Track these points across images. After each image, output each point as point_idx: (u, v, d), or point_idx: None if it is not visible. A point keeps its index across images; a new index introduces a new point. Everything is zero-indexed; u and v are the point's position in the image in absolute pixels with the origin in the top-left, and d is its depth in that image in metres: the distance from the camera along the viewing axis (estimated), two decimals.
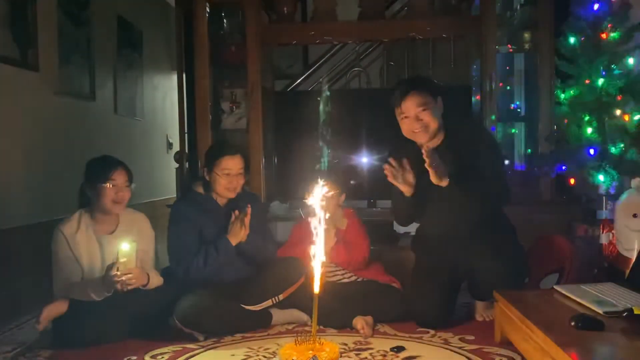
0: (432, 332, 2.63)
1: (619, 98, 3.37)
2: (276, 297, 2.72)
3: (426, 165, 2.50)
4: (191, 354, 2.42)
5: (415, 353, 2.36)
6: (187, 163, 4.31)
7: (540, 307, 2.19)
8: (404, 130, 2.72)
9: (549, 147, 3.73)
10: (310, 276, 2.10)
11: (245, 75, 3.91)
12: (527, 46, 4.19)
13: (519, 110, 4.83)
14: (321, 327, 2.63)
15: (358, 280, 2.96)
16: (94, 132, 4.82)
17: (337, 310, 2.67)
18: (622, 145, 3.33)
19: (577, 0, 3.61)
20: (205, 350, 2.46)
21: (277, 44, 4.29)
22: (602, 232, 3.06)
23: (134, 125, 5.83)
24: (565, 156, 3.57)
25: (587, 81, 3.45)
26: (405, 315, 2.74)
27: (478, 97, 3.99)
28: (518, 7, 4.52)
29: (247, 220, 2.74)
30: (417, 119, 2.66)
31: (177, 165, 4.40)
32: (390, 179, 2.64)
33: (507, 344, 2.34)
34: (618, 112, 3.36)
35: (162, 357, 2.38)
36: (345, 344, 2.47)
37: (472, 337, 2.54)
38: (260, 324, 2.74)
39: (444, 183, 2.54)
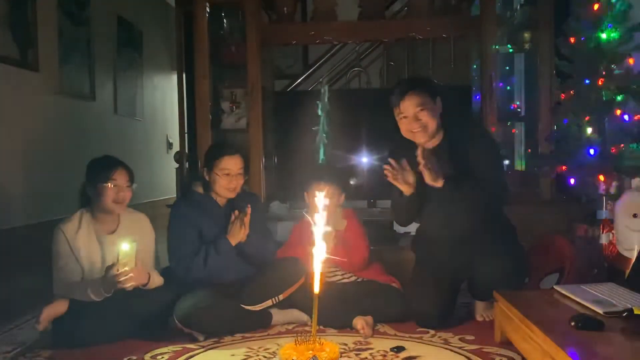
0: (432, 332, 2.63)
1: (619, 98, 3.37)
2: (276, 298, 2.72)
3: (420, 166, 2.52)
4: (191, 354, 2.42)
5: (415, 353, 2.36)
6: (187, 163, 4.31)
7: (540, 307, 2.19)
8: (403, 130, 2.72)
9: (549, 147, 3.73)
10: (310, 276, 2.10)
11: (245, 75, 3.91)
12: (527, 46, 4.19)
13: (519, 110, 4.83)
14: (321, 327, 2.63)
15: (358, 280, 2.96)
16: (94, 132, 4.82)
17: (337, 311, 2.67)
18: (622, 145, 3.33)
19: (577, 0, 3.61)
20: (205, 350, 2.46)
21: (277, 44, 4.29)
22: (602, 232, 3.06)
23: (134, 125, 5.83)
24: (565, 156, 3.57)
25: (587, 81, 3.45)
26: (405, 315, 2.74)
27: (478, 97, 3.99)
28: (518, 7, 4.52)
29: (246, 220, 2.74)
30: (415, 119, 2.66)
31: (177, 165, 4.41)
32: (390, 179, 2.64)
33: (507, 344, 2.34)
34: (618, 112, 3.36)
35: (162, 357, 2.38)
36: (345, 344, 2.47)
37: (472, 337, 2.53)
38: (260, 324, 2.73)
39: (439, 184, 2.55)
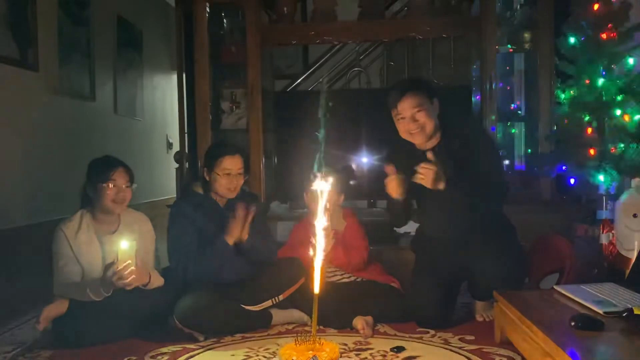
0: (432, 332, 2.63)
1: (619, 98, 3.37)
2: (276, 298, 2.72)
3: (420, 169, 2.50)
4: (191, 354, 2.42)
5: (415, 353, 2.36)
6: (187, 163, 4.31)
7: (540, 307, 2.19)
8: (401, 132, 2.73)
9: (549, 147, 3.73)
10: (310, 276, 2.10)
11: (245, 75, 3.91)
12: (527, 46, 4.19)
13: (519, 112, 4.83)
14: (321, 327, 2.63)
15: (358, 280, 2.96)
16: (94, 132, 4.83)
17: (337, 311, 2.67)
18: (622, 145, 3.33)
19: (577, 0, 3.61)
20: (205, 350, 2.46)
21: (277, 44, 4.28)
22: (602, 232, 3.06)
23: (134, 125, 5.83)
24: (565, 156, 3.57)
25: (587, 81, 3.45)
26: (405, 315, 2.74)
27: (478, 97, 3.99)
28: (518, 7, 4.52)
29: (247, 220, 2.74)
30: (413, 120, 2.67)
31: (177, 165, 4.40)
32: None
33: (507, 344, 2.34)
34: (618, 112, 3.36)
35: (162, 357, 2.38)
36: (345, 344, 2.47)
37: (472, 337, 2.54)
38: (260, 324, 2.73)
39: (441, 187, 2.54)
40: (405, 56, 5.35)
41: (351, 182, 3.78)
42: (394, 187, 2.64)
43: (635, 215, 2.79)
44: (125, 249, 2.46)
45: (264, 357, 2.37)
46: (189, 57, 4.18)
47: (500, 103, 4.11)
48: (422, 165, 2.49)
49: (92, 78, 4.84)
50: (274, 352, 2.39)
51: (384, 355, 2.35)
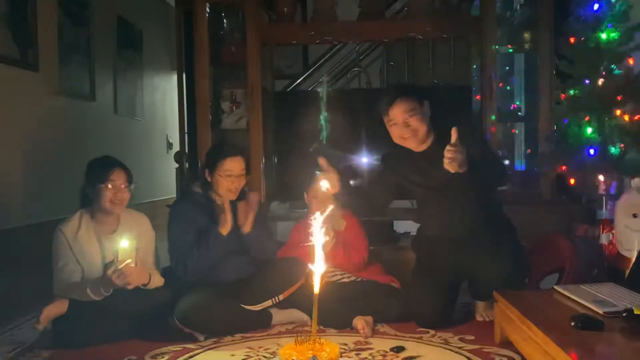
0: (432, 332, 2.63)
1: (619, 98, 3.37)
2: (276, 298, 2.72)
3: (448, 152, 2.42)
4: (191, 354, 2.42)
5: (415, 353, 2.36)
6: (187, 163, 4.31)
7: (540, 307, 2.19)
8: (394, 137, 2.77)
9: (549, 147, 3.73)
10: (310, 276, 2.10)
11: (245, 75, 3.91)
12: (527, 46, 4.19)
13: (519, 112, 4.83)
14: (321, 327, 2.63)
15: (358, 280, 2.96)
16: (94, 132, 4.83)
17: (337, 311, 2.67)
18: (622, 145, 3.33)
19: (577, 0, 3.61)
20: (205, 350, 2.46)
21: (277, 44, 4.28)
22: (602, 232, 3.06)
23: (134, 125, 5.83)
24: (565, 156, 3.57)
25: (587, 81, 3.45)
26: (405, 315, 2.74)
27: (478, 97, 3.99)
28: (518, 7, 4.52)
29: (242, 215, 2.74)
30: (405, 125, 2.70)
31: (177, 165, 4.41)
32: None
33: (507, 344, 2.34)
34: (618, 112, 3.36)
35: (162, 357, 2.38)
36: (345, 344, 2.47)
37: (472, 337, 2.53)
38: (260, 324, 2.73)
39: (464, 169, 2.47)
40: (405, 56, 5.34)
41: (351, 182, 3.78)
42: (328, 181, 2.63)
43: (635, 215, 2.79)
44: (125, 248, 2.46)
45: (264, 357, 2.37)
46: (189, 57, 4.18)
47: (500, 103, 4.11)
48: (449, 148, 2.42)
49: (92, 78, 4.84)
50: (274, 352, 2.39)
51: (384, 355, 2.35)
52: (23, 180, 3.85)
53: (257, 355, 2.39)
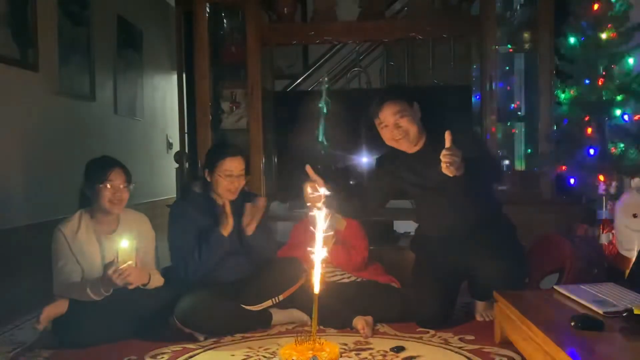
0: (432, 332, 2.63)
1: (619, 98, 3.37)
2: (276, 298, 2.72)
3: (444, 157, 2.42)
4: (191, 354, 2.42)
5: (415, 353, 2.36)
6: (187, 163, 4.31)
7: (540, 307, 2.19)
8: (386, 139, 2.79)
9: (549, 147, 3.73)
10: (310, 276, 2.10)
11: (245, 75, 3.91)
12: (527, 46, 4.18)
13: (519, 112, 4.82)
14: (321, 327, 2.63)
15: (358, 280, 2.96)
16: (94, 132, 4.82)
17: (337, 311, 2.67)
18: (622, 145, 3.33)
19: (577, 0, 3.61)
20: (205, 350, 2.46)
21: (277, 44, 4.28)
22: (602, 232, 3.06)
23: (134, 125, 5.83)
24: (565, 156, 3.56)
25: (587, 81, 3.45)
26: (405, 315, 2.74)
27: (478, 97, 3.99)
28: (518, 7, 4.51)
29: (248, 217, 2.74)
30: (396, 127, 2.72)
31: (177, 165, 4.41)
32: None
33: (507, 344, 2.34)
34: (618, 112, 3.36)
35: (162, 357, 2.38)
36: (345, 344, 2.47)
37: (472, 337, 2.54)
38: (260, 324, 2.74)
39: (461, 172, 2.47)
40: (405, 56, 5.35)
41: (351, 182, 3.78)
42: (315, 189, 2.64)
43: (635, 215, 2.79)
44: (125, 248, 2.46)
45: (264, 357, 2.37)
46: (189, 57, 4.18)
47: (500, 103, 4.10)
48: (445, 152, 2.42)
49: (92, 78, 4.84)
50: (274, 352, 2.39)
51: (384, 355, 2.35)
52: (23, 180, 3.85)
53: (257, 355, 2.39)
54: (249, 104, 3.92)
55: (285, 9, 4.03)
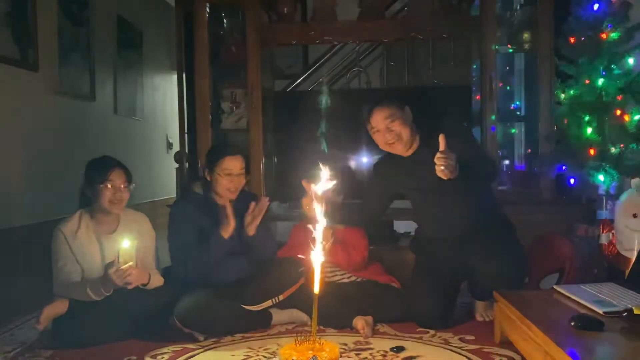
0: (432, 332, 2.63)
1: (619, 98, 3.37)
2: (276, 298, 2.72)
3: (439, 160, 2.44)
4: (191, 354, 2.42)
5: (415, 353, 2.36)
6: (187, 163, 4.31)
7: (540, 307, 2.19)
8: (380, 144, 2.81)
9: (549, 147, 3.73)
10: (310, 276, 2.10)
11: (245, 75, 3.91)
12: (527, 46, 4.18)
13: (518, 112, 4.82)
14: (321, 327, 2.64)
15: (358, 280, 2.96)
16: (94, 132, 4.82)
17: (337, 311, 2.67)
18: (622, 145, 3.33)
19: (577, 0, 3.61)
20: (205, 350, 2.46)
21: (277, 44, 4.28)
22: (602, 232, 3.06)
23: (134, 125, 5.83)
24: (565, 156, 3.56)
25: (587, 81, 3.44)
26: (405, 315, 2.74)
27: (478, 97, 3.99)
28: (518, 7, 4.51)
29: (248, 215, 2.74)
30: (388, 131, 2.74)
31: (177, 165, 4.40)
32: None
33: (507, 344, 2.34)
34: (618, 112, 3.36)
35: (162, 357, 2.38)
36: (345, 344, 2.47)
37: (472, 337, 2.54)
38: (260, 324, 2.74)
39: (455, 174, 2.49)
40: (405, 56, 5.35)
41: (351, 184, 3.78)
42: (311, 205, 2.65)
43: (635, 215, 2.79)
44: (126, 248, 2.47)
45: (264, 357, 2.37)
46: (189, 57, 4.18)
47: (500, 103, 4.11)
48: (439, 156, 2.44)
49: (92, 78, 4.84)
50: (274, 352, 2.39)
51: (384, 355, 2.35)
52: (23, 180, 3.85)
53: (257, 355, 2.39)
54: (249, 104, 3.92)
55: (285, 9, 4.03)
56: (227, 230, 2.73)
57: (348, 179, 3.73)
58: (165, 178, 6.16)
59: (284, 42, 4.21)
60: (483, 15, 3.75)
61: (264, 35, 3.94)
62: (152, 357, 2.39)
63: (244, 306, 2.69)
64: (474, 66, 4.47)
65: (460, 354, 2.36)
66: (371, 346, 2.46)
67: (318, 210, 2.06)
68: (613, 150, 3.36)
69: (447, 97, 4.01)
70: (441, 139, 2.44)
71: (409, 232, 3.74)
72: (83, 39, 4.69)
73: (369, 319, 2.66)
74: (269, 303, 2.72)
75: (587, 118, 3.46)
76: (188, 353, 2.43)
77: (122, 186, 2.67)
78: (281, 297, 2.73)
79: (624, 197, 2.93)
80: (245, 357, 2.37)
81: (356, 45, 5.44)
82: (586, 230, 3.30)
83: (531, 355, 2.01)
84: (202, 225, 2.79)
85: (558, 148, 3.66)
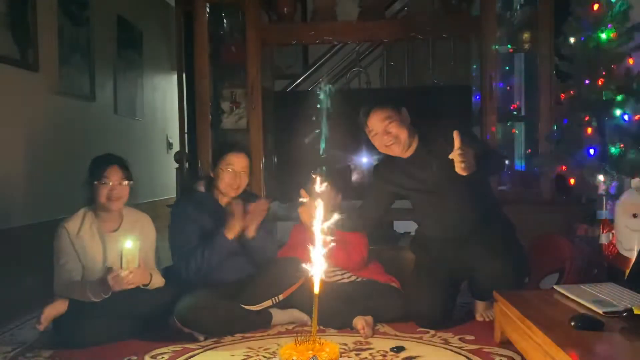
0: (432, 332, 2.63)
1: (619, 98, 3.37)
2: (276, 298, 2.72)
3: (458, 155, 2.44)
4: (191, 354, 2.42)
5: (415, 353, 2.36)
6: (187, 163, 4.31)
7: (540, 307, 2.19)
8: (378, 147, 2.82)
9: (549, 147, 3.73)
10: (310, 276, 2.10)
11: (245, 75, 3.91)
12: (527, 46, 4.18)
13: (515, 112, 4.82)
14: (321, 327, 2.64)
15: (358, 280, 2.96)
16: (94, 132, 4.82)
17: (337, 311, 2.67)
18: (622, 145, 3.33)
19: (577, 0, 3.61)
20: (205, 350, 2.46)
21: (277, 44, 4.28)
22: (602, 232, 3.06)
23: (134, 125, 5.83)
24: (565, 156, 3.56)
25: (587, 81, 3.44)
26: (405, 315, 2.74)
27: (478, 97, 3.99)
28: (518, 7, 4.51)
29: (248, 216, 2.74)
30: (386, 133, 2.74)
31: (177, 165, 4.41)
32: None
33: (507, 344, 2.34)
34: (618, 112, 3.36)
35: (162, 357, 2.38)
36: (345, 344, 2.47)
37: (472, 337, 2.54)
38: (260, 324, 2.74)
39: (474, 169, 2.48)
40: (405, 56, 5.35)
41: (350, 182, 3.79)
42: (308, 213, 2.67)
43: (635, 215, 2.79)
44: (129, 248, 2.48)
45: (264, 357, 2.37)
46: (189, 57, 4.18)
47: (500, 103, 4.11)
48: (458, 152, 2.43)
49: (92, 78, 4.84)
50: (274, 352, 2.39)
51: (384, 355, 2.35)
52: (23, 180, 3.85)
53: (257, 355, 2.39)
54: (249, 104, 3.92)
55: (285, 9, 4.03)
56: (232, 231, 2.73)
57: (347, 178, 3.74)
58: (165, 178, 6.16)
59: (284, 42, 4.21)
60: (483, 15, 3.75)
61: (264, 35, 3.94)
62: (152, 357, 2.39)
63: (244, 306, 2.69)
64: (474, 66, 4.47)
65: (460, 354, 2.36)
66: (371, 346, 2.46)
67: (318, 214, 2.07)
68: (613, 150, 3.36)
69: (447, 97, 4.02)
70: (456, 136, 2.44)
71: (409, 232, 3.74)
72: (83, 39, 4.69)
73: (369, 319, 2.66)
74: (269, 303, 2.72)
75: (587, 118, 3.46)
76: (188, 353, 2.43)
77: (118, 183, 2.67)
78: (281, 297, 2.73)
79: (624, 197, 2.93)
80: (245, 357, 2.37)
81: (356, 45, 5.44)
82: (586, 230, 3.30)
83: (531, 355, 2.01)
84: (204, 225, 2.79)
85: (558, 148, 3.66)
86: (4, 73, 3.66)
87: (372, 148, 3.89)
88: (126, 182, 2.70)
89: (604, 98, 3.41)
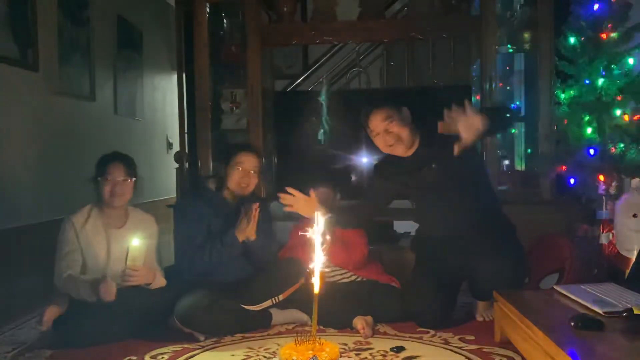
0: (432, 332, 2.63)
1: (619, 98, 3.37)
2: (276, 298, 2.72)
3: (465, 118, 2.44)
4: (191, 354, 2.42)
5: (415, 353, 2.36)
6: (187, 163, 4.31)
7: (540, 307, 2.19)
8: (380, 147, 2.82)
9: (549, 147, 3.73)
10: (310, 276, 2.10)
11: (245, 75, 3.91)
12: (527, 46, 4.19)
13: (516, 112, 4.83)
14: (321, 327, 2.63)
15: (358, 280, 2.96)
16: (94, 132, 4.82)
17: (337, 311, 2.67)
18: (622, 145, 3.33)
19: (577, 0, 3.61)
20: (205, 350, 2.46)
21: (277, 44, 4.28)
22: (602, 232, 3.06)
23: (134, 125, 5.83)
24: (565, 156, 3.57)
25: (587, 81, 3.45)
26: (405, 315, 2.74)
27: (478, 97, 3.99)
28: (518, 7, 4.52)
29: (254, 216, 2.75)
30: (387, 132, 2.74)
31: (177, 165, 4.41)
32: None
33: (507, 344, 2.34)
34: (618, 112, 3.36)
35: (162, 357, 2.38)
36: (345, 344, 2.47)
37: (472, 337, 2.53)
38: (260, 324, 2.74)
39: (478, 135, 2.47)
40: (405, 56, 5.35)
41: (350, 182, 3.79)
42: (302, 206, 2.71)
43: (635, 215, 2.79)
44: (136, 246, 2.51)
45: (264, 357, 2.37)
46: (189, 57, 4.18)
47: (500, 103, 4.11)
48: (468, 114, 2.44)
49: (92, 78, 4.84)
50: (274, 352, 2.39)
51: (384, 355, 2.35)
52: (23, 180, 3.85)
53: (257, 355, 2.39)
54: (249, 104, 3.92)
55: (285, 9, 4.03)
56: (244, 234, 2.74)
57: (347, 179, 3.74)
58: (165, 178, 6.16)
59: (284, 42, 4.22)
60: (483, 15, 3.75)
61: (264, 35, 3.94)
62: (152, 357, 2.38)
63: (244, 306, 2.69)
64: (474, 66, 4.47)
65: (460, 354, 2.36)
66: (371, 346, 2.46)
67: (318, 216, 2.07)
68: (613, 150, 3.36)
69: (447, 97, 4.01)
70: (467, 103, 2.45)
71: (409, 232, 3.74)
72: (83, 39, 4.69)
73: (369, 319, 2.66)
74: (268, 303, 2.72)
75: (587, 118, 3.46)
76: (188, 353, 2.42)
77: (120, 179, 2.69)
78: (281, 297, 2.73)
79: (624, 197, 2.93)
80: (245, 357, 2.37)
81: (356, 45, 5.44)
82: (586, 230, 3.30)
83: (531, 355, 2.01)
84: (210, 222, 2.79)
85: (558, 148, 3.67)
86: (4, 73, 3.66)
87: (372, 148, 3.91)
88: (130, 179, 2.72)
89: (604, 98, 3.41)
